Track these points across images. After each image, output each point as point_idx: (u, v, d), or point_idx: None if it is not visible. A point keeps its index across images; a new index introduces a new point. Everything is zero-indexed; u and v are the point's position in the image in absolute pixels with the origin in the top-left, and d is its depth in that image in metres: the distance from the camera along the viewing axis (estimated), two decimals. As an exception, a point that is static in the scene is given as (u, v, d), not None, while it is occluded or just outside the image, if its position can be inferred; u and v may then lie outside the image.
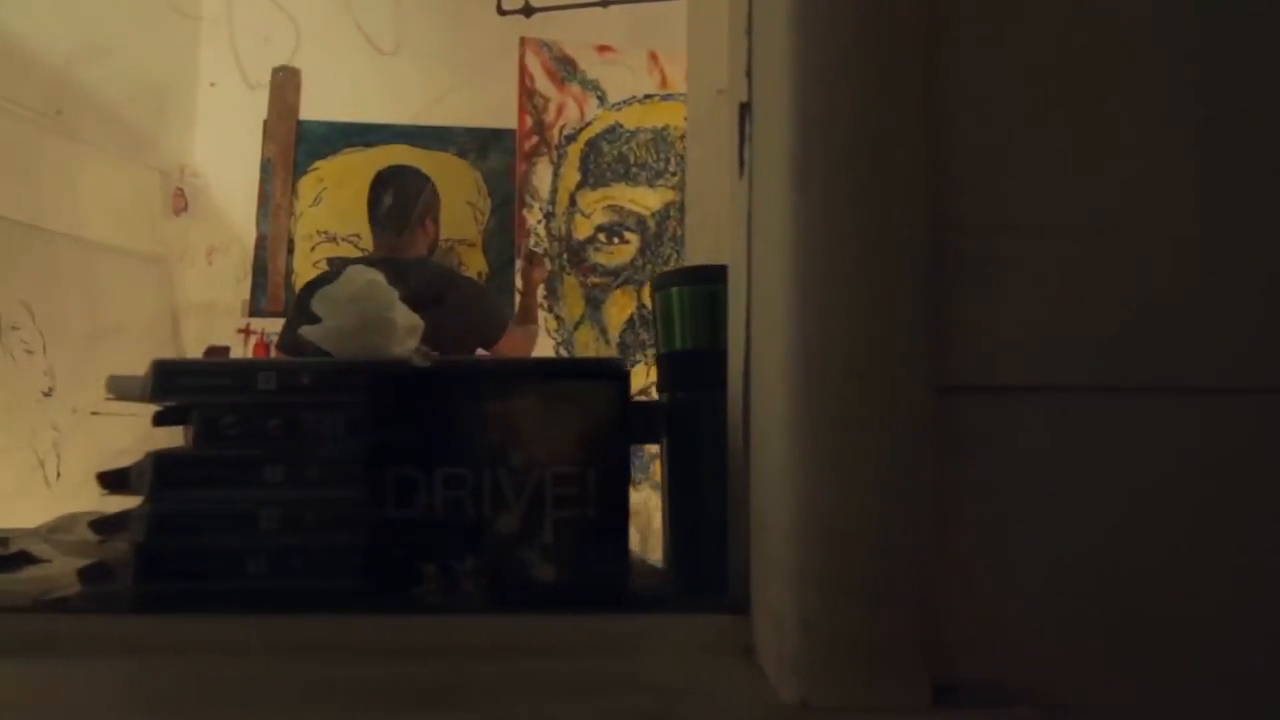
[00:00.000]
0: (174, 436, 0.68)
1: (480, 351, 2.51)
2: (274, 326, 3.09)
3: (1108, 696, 0.54)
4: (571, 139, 3.16)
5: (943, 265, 0.53)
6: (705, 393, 0.71)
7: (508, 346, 2.62)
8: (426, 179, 2.77)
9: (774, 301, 0.55)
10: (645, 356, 2.99)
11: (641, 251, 3.13)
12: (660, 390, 0.78)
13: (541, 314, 3.01)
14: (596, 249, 3.13)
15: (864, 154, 0.53)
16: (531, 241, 3.08)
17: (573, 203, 3.14)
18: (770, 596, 0.56)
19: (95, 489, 0.66)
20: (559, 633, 0.62)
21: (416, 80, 3.37)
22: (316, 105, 3.21)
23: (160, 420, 0.67)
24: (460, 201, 3.18)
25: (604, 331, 3.11)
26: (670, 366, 0.77)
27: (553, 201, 3.14)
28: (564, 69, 3.18)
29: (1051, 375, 0.55)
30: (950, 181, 0.54)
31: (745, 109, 0.63)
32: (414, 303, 0.75)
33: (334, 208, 3.20)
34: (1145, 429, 0.55)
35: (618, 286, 3.12)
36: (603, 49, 3.22)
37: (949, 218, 0.54)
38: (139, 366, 0.67)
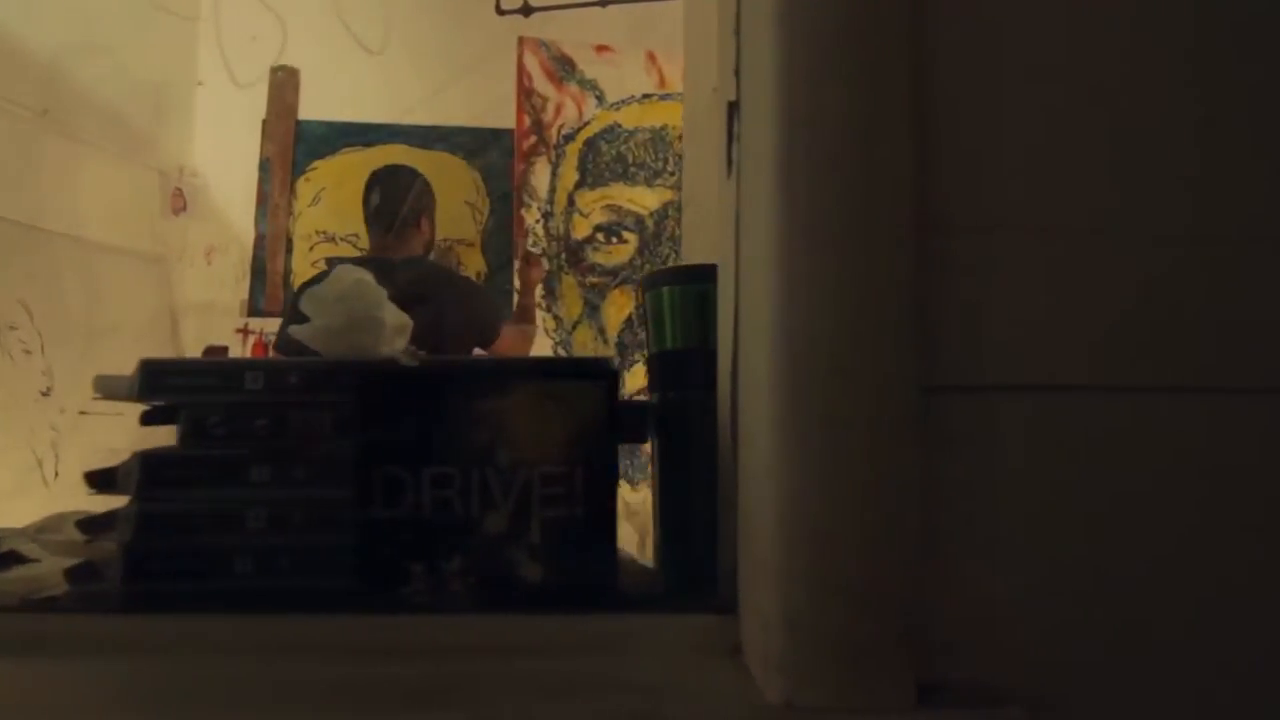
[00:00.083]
0: (172, 436, 0.68)
1: (477, 351, 2.50)
2: (272, 326, 3.09)
3: (1093, 696, 0.54)
4: (570, 139, 3.16)
5: (929, 265, 0.53)
6: (695, 392, 0.71)
7: (505, 346, 2.62)
8: (414, 177, 2.76)
9: (760, 301, 0.55)
10: (643, 356, 2.98)
11: (640, 251, 3.12)
12: (650, 390, 0.77)
13: (540, 314, 3.00)
14: (595, 249, 3.13)
15: (849, 153, 0.53)
16: (530, 241, 3.07)
17: (571, 202, 3.13)
18: (756, 596, 0.56)
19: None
20: (546, 633, 0.62)
21: (414, 80, 3.37)
22: (309, 105, 3.21)
23: (148, 420, 0.67)
24: (459, 201, 3.18)
25: (602, 331, 3.10)
26: (660, 366, 0.77)
27: (551, 201, 3.13)
28: (562, 69, 3.18)
29: (1038, 375, 0.54)
30: (936, 181, 0.54)
31: (733, 108, 0.63)
32: (399, 302, 0.75)
33: (332, 207, 3.20)
34: (1132, 429, 0.55)
35: (616, 286, 3.11)
36: (601, 49, 3.22)
37: (935, 217, 0.54)
38: (138, 366, 0.67)
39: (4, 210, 2.53)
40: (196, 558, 0.64)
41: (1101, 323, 0.55)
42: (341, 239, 3.18)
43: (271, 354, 3.00)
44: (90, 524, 0.66)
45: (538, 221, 3.11)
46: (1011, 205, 0.55)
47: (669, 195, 3.11)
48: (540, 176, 3.15)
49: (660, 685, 0.56)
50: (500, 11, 3.17)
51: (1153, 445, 0.55)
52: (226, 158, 3.30)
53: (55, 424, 2.66)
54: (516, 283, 3.00)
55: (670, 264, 2.97)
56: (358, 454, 0.64)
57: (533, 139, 3.15)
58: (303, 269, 3.18)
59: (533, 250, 3.04)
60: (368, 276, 0.74)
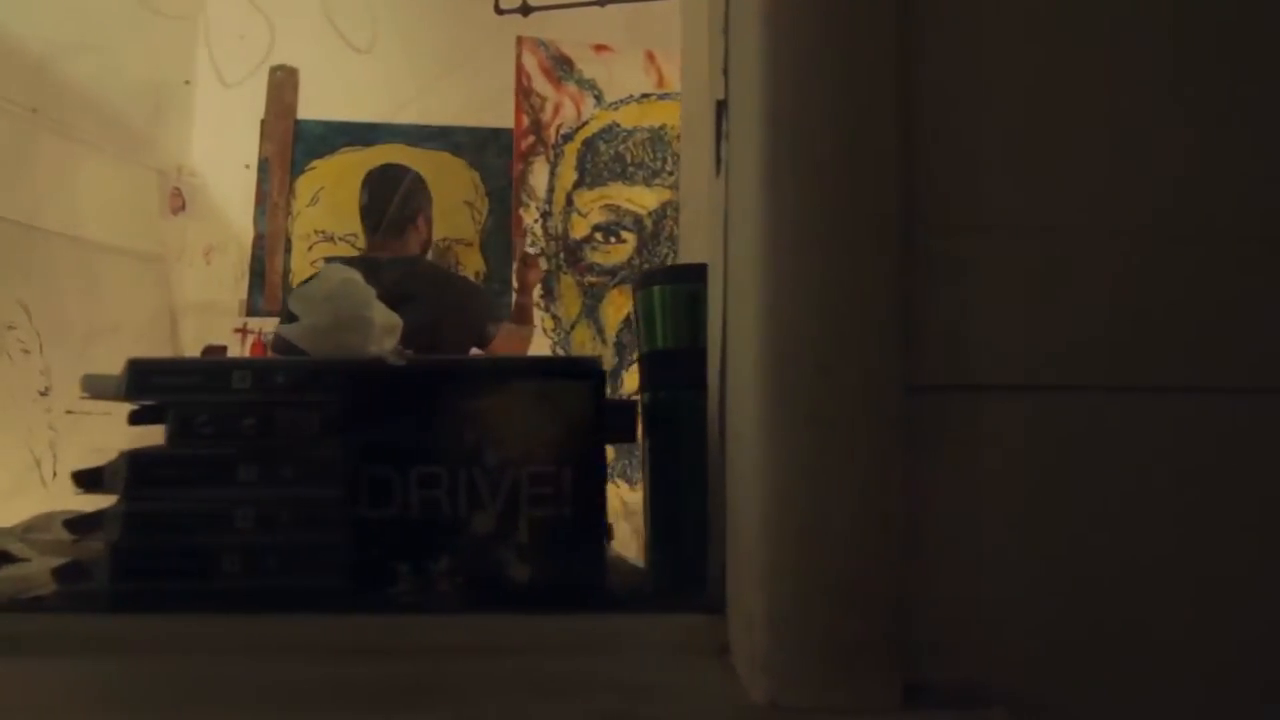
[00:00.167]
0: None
1: (474, 351, 2.50)
2: (271, 326, 3.09)
3: (1079, 697, 0.53)
4: (568, 138, 3.16)
5: (914, 264, 0.53)
6: (685, 392, 0.71)
7: (503, 347, 2.61)
8: (404, 176, 2.75)
9: (747, 299, 0.55)
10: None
11: (638, 251, 3.12)
12: (641, 389, 0.77)
13: (538, 313, 3.00)
14: (593, 248, 3.12)
15: (835, 152, 0.53)
16: (528, 241, 3.07)
17: (569, 202, 3.13)
18: (743, 595, 0.56)
19: (88, 489, 0.66)
20: (534, 632, 0.62)
21: (410, 79, 3.37)
22: (304, 105, 3.21)
23: (136, 419, 0.66)
24: (457, 201, 3.17)
25: (601, 331, 3.10)
26: (651, 365, 0.77)
27: (549, 201, 3.13)
28: (561, 68, 3.18)
29: (1023, 374, 0.54)
30: (922, 181, 0.54)
31: (722, 106, 0.63)
32: (386, 301, 0.75)
33: (331, 207, 3.20)
34: (1117, 428, 0.54)
35: (614, 286, 3.11)
36: (600, 48, 3.22)
37: (921, 217, 0.54)
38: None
39: (2, 210, 2.53)
40: (184, 557, 0.64)
41: (1087, 322, 0.54)
42: (340, 239, 3.18)
43: (270, 354, 2.99)
44: (78, 523, 0.65)
45: (536, 221, 3.11)
46: (997, 205, 0.55)
47: (667, 195, 3.11)
48: (539, 176, 3.14)
49: (645, 685, 0.56)
50: (499, 11, 3.17)
51: (1138, 445, 0.54)
52: (225, 158, 3.30)
53: (53, 424, 2.66)
54: (515, 282, 3.00)
55: (669, 264, 2.96)
56: (345, 453, 0.64)
57: (531, 138, 3.14)
58: (301, 269, 3.17)
59: (530, 251, 3.04)
60: (356, 276, 0.74)
